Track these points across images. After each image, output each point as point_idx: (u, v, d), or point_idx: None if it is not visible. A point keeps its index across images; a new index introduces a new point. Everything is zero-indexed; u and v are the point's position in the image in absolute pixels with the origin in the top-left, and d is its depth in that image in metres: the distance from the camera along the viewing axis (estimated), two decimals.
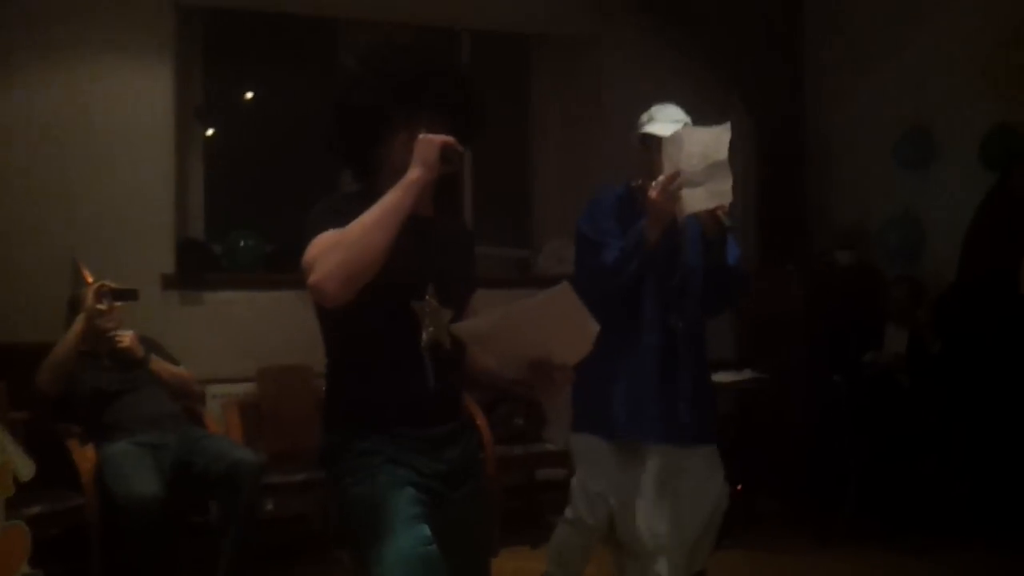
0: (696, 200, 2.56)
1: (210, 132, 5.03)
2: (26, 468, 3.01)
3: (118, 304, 3.75)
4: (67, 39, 4.38)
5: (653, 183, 2.61)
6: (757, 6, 5.45)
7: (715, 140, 2.56)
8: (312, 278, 1.75)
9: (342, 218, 1.82)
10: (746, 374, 4.71)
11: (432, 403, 1.95)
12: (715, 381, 4.60)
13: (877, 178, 5.25)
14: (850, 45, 5.45)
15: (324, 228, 1.83)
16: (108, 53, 4.45)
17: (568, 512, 2.99)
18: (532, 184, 5.69)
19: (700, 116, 5.81)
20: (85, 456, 3.59)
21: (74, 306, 3.87)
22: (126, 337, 3.80)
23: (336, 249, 1.76)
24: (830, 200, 5.55)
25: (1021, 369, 3.99)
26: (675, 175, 2.53)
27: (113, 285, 3.74)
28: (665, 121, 2.83)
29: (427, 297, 1.91)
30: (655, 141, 2.76)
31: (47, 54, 4.35)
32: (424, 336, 1.90)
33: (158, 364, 3.90)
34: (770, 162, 5.58)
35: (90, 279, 3.86)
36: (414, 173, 1.83)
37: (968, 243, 4.71)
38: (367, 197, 1.88)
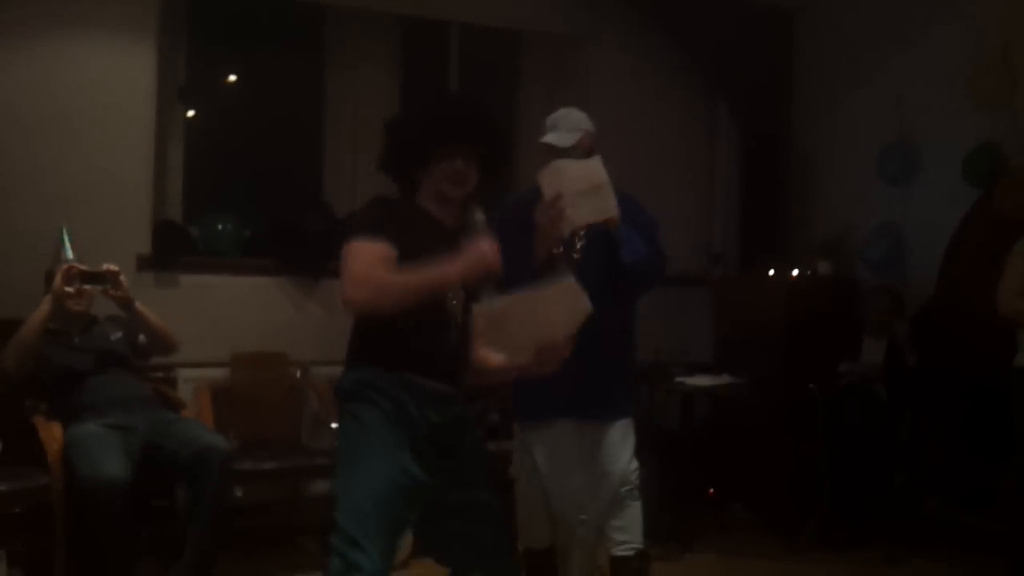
0: (581, 216, 2.76)
1: (191, 113, 4.97)
2: None
3: (87, 288, 3.68)
4: (48, 15, 4.29)
5: (538, 206, 2.72)
6: (748, 16, 5.46)
7: (590, 168, 2.74)
8: (348, 295, 2.15)
9: (383, 231, 2.21)
10: (723, 379, 4.71)
11: (444, 360, 2.27)
12: (692, 384, 4.65)
13: (860, 190, 5.27)
14: (838, 57, 5.47)
15: (367, 233, 2.20)
16: (91, 31, 4.37)
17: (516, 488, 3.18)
18: (516, 180, 5.66)
19: (686, 118, 5.86)
20: (52, 435, 3.51)
21: (51, 279, 3.81)
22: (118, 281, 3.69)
23: (375, 289, 2.14)
24: (813, 209, 5.56)
25: (995, 386, 4.00)
26: (557, 198, 2.65)
27: (83, 267, 3.66)
28: (566, 130, 2.98)
29: None
30: (554, 151, 2.91)
31: (28, 30, 4.26)
32: (451, 304, 2.28)
33: (143, 308, 3.80)
34: (754, 169, 5.59)
35: (71, 254, 3.80)
36: (455, 274, 2.18)
37: (948, 258, 4.74)
38: (407, 207, 2.36)
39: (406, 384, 2.24)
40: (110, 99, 4.40)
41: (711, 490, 4.80)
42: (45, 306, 3.61)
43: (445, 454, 2.29)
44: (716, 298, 5.38)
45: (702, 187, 5.70)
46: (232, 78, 5.36)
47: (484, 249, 2.19)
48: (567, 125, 3.00)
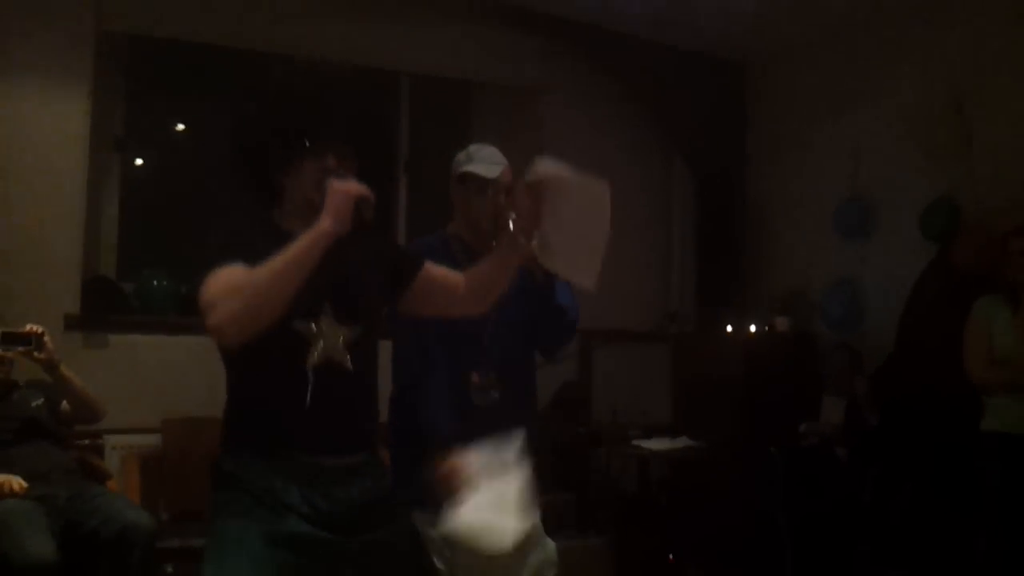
0: (563, 254, 2.08)
1: (138, 162, 4.76)
2: None
3: (8, 352, 3.44)
4: None
5: (510, 221, 2.10)
6: (700, 67, 5.41)
7: (596, 194, 2.15)
8: (212, 320, 1.72)
9: (245, 252, 1.78)
10: (681, 442, 4.56)
11: (326, 428, 1.84)
12: (648, 448, 4.48)
13: (817, 245, 5.19)
14: (791, 110, 5.43)
15: (215, 265, 1.78)
16: (19, 76, 4.18)
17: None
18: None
19: (641, 171, 5.75)
20: None
21: None
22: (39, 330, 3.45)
23: (238, 295, 1.72)
24: (770, 264, 5.48)
25: (957, 445, 3.89)
26: (543, 207, 2.08)
27: (4, 329, 3.43)
28: (488, 162, 2.63)
29: (320, 315, 1.85)
30: (476, 182, 2.60)
31: None
32: (313, 355, 1.83)
33: (67, 371, 3.57)
34: (710, 223, 5.51)
35: None
36: (326, 224, 1.75)
37: (907, 314, 4.65)
38: (270, 228, 1.90)
39: (280, 466, 1.80)
40: (39, 148, 4.20)
41: (670, 556, 4.61)
42: None
43: (327, 542, 1.80)
44: (674, 356, 5.25)
45: (658, 242, 5.59)
46: (180, 127, 5.16)
47: (341, 187, 1.77)
48: (486, 158, 2.65)
